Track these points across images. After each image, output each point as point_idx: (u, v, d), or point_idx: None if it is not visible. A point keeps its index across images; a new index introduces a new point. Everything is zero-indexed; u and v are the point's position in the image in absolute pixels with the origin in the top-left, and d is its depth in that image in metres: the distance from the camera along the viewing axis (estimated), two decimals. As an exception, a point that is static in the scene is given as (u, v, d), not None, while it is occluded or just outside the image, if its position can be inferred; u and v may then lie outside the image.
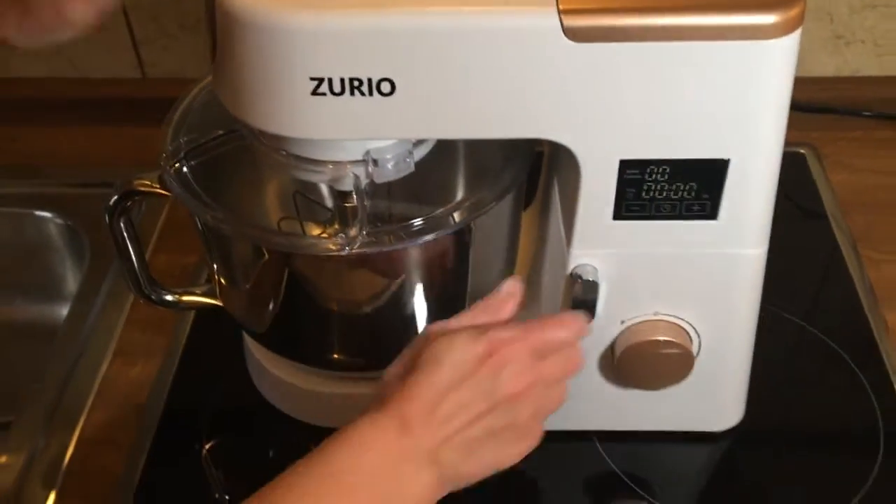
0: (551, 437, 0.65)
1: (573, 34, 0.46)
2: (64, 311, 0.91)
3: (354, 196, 0.53)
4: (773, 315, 0.73)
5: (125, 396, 0.70)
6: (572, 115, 0.49)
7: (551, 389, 0.51)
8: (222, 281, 0.62)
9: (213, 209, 0.54)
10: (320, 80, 0.47)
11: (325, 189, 0.64)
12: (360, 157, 0.53)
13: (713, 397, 0.64)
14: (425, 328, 0.52)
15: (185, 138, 0.57)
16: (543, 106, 0.49)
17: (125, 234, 0.60)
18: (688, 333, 0.59)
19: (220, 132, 0.57)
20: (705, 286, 0.57)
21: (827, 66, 0.90)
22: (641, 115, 0.49)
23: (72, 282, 0.91)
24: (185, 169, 0.56)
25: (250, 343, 0.68)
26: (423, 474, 0.47)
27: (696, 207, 0.53)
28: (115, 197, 0.58)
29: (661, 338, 0.58)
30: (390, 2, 0.47)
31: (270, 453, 0.67)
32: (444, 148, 0.57)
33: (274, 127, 0.50)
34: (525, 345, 0.50)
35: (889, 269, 0.78)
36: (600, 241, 0.55)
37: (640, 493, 0.63)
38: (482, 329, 0.50)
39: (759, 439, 0.66)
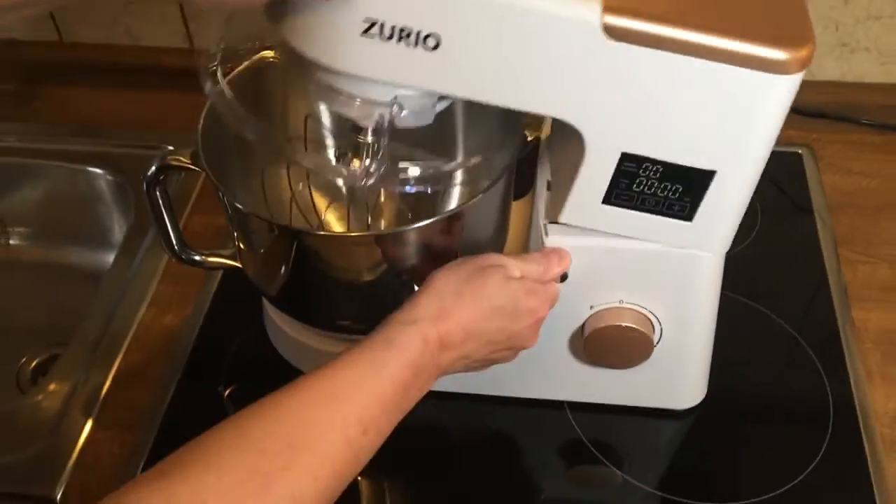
0: (527, 404, 0.73)
1: (610, 31, 0.50)
2: (109, 258, 1.01)
3: (373, 135, 0.58)
4: (746, 307, 0.79)
5: (157, 341, 0.79)
6: (590, 104, 0.54)
7: None
8: (241, 247, 0.70)
9: (233, 191, 0.62)
10: (373, 23, 0.51)
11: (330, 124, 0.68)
12: (388, 100, 0.56)
13: (676, 378, 0.70)
14: (486, 258, 0.59)
15: (223, 45, 0.60)
16: (567, 89, 0.53)
17: (160, 202, 0.68)
18: (650, 321, 0.65)
19: (257, 43, 0.60)
20: (667, 281, 0.63)
21: (832, 72, 0.94)
22: (651, 117, 0.54)
23: (118, 232, 1.00)
24: (220, 76, 0.59)
25: (266, 302, 0.77)
26: (432, 380, 0.55)
27: (676, 207, 0.58)
28: (152, 169, 0.66)
29: (625, 323, 0.64)
30: None
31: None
32: (444, 125, 0.62)
33: (322, 57, 0.54)
34: (550, 296, 0.60)
35: (864, 270, 0.83)
36: (584, 219, 0.61)
37: (604, 460, 0.70)
38: (533, 282, 0.59)
39: (720, 417, 0.72)
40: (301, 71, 0.57)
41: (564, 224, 0.62)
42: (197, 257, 0.73)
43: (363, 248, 0.64)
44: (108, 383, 0.76)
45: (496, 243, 0.71)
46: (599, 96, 0.53)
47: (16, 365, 0.97)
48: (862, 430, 0.71)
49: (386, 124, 0.57)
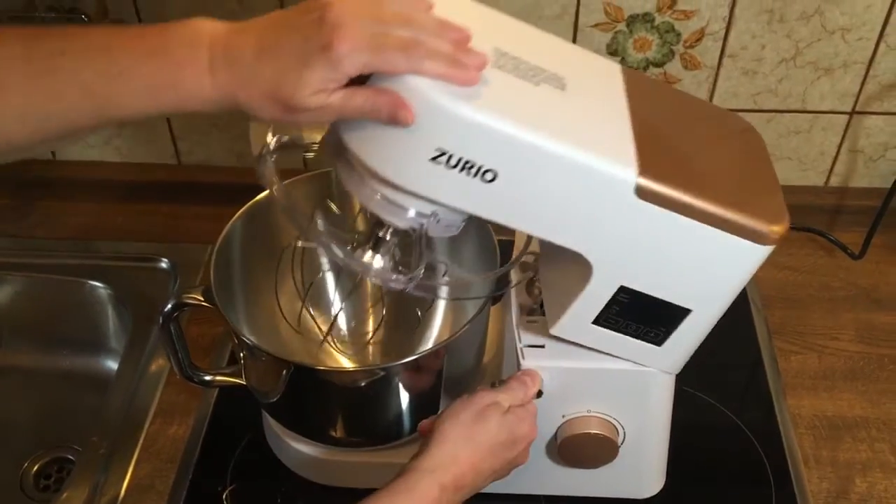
0: (507, 499, 0.82)
1: (641, 192, 0.59)
2: (104, 361, 1.07)
3: (417, 241, 0.63)
4: (693, 397, 0.89)
5: (165, 451, 0.86)
6: (609, 245, 0.62)
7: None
8: (246, 370, 0.78)
9: (242, 331, 0.70)
10: (443, 153, 0.57)
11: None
12: (428, 213, 0.62)
13: (638, 472, 0.80)
14: (481, 398, 0.67)
15: (279, 135, 0.66)
16: (592, 231, 0.61)
17: (173, 335, 0.76)
18: (615, 427, 0.74)
19: (315, 143, 0.67)
20: (628, 394, 0.73)
21: (759, 177, 1.06)
22: (654, 261, 0.63)
23: (112, 337, 1.06)
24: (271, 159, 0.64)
25: (266, 413, 0.85)
26: None
27: (651, 334, 0.68)
28: (168, 307, 0.74)
29: (593, 431, 0.74)
30: (520, 114, 0.57)
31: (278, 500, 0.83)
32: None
33: (390, 174, 0.59)
34: (533, 416, 0.68)
35: (796, 360, 0.93)
36: (574, 335, 0.69)
37: (576, 546, 0.79)
38: (521, 410, 0.68)
39: (679, 501, 0.82)
40: (352, 176, 0.62)
41: (544, 344, 0.72)
42: (206, 377, 0.81)
43: (358, 377, 0.73)
44: (121, 496, 0.83)
45: (478, 354, 0.80)
46: (618, 240, 0.62)
47: (18, 470, 1.02)
48: (800, 509, 0.81)
49: (424, 233, 0.62)
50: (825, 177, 1.06)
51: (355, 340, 0.81)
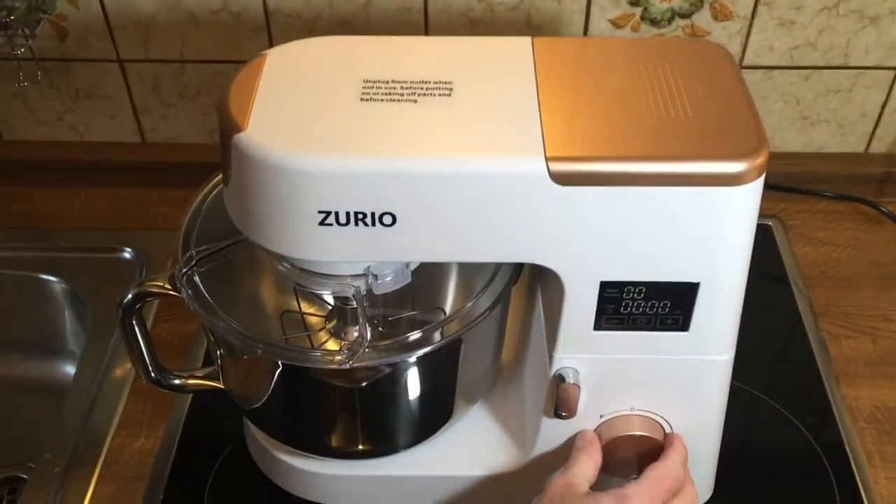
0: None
1: (558, 178, 0.51)
2: (61, 367, 0.95)
3: (356, 307, 0.57)
4: (738, 390, 0.78)
5: (130, 468, 0.74)
6: (557, 245, 0.54)
7: None
8: (225, 371, 0.66)
9: (221, 318, 0.58)
10: (327, 213, 0.52)
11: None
12: (360, 272, 0.57)
13: (684, 478, 0.69)
14: (553, 484, 0.59)
15: (196, 249, 0.61)
16: (531, 236, 0.54)
17: (136, 330, 0.64)
18: (661, 426, 0.64)
19: (229, 242, 0.60)
20: (677, 386, 0.62)
21: (794, 144, 0.96)
22: (619, 245, 0.54)
23: (70, 339, 0.95)
24: (196, 277, 0.60)
25: (248, 421, 0.73)
26: None
27: (669, 321, 0.58)
28: (128, 297, 0.62)
29: (636, 432, 0.63)
30: (391, 146, 0.51)
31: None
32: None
33: (284, 250, 0.55)
34: (653, 495, 0.59)
35: (848, 345, 0.83)
36: (582, 348, 0.60)
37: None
38: (617, 494, 0.58)
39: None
40: (274, 258, 0.58)
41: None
42: (176, 381, 0.68)
43: (360, 376, 0.61)
44: (80, 523, 0.71)
45: (496, 350, 0.69)
46: (564, 237, 0.54)
47: (-33, 491, 0.90)
48: (870, 516, 0.70)
49: (363, 295, 0.57)
50: (866, 141, 0.95)
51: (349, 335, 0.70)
